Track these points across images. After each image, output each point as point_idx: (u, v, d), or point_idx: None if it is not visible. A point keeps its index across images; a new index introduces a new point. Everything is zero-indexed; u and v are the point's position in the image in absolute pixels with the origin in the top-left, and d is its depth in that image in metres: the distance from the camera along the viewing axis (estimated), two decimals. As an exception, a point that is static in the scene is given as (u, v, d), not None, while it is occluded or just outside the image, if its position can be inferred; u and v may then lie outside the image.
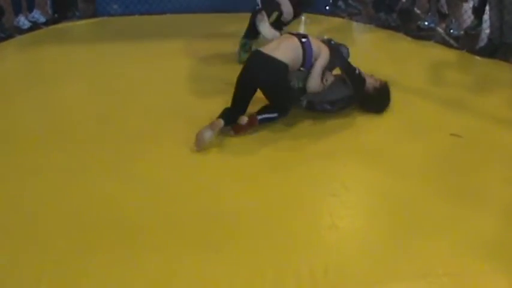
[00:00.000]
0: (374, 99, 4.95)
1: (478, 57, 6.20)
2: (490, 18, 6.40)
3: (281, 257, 3.36)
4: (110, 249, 3.38)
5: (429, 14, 7.10)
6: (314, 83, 4.68)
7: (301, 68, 4.68)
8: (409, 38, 6.70)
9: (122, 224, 3.58)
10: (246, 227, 3.60)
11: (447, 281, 3.26)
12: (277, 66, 4.55)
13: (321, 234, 3.59)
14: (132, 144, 4.46)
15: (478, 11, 6.88)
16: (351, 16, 7.35)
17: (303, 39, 4.69)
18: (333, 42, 4.93)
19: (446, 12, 7.21)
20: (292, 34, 4.82)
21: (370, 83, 4.93)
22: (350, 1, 7.59)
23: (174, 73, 5.62)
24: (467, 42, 6.63)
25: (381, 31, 6.31)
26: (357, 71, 4.85)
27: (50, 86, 5.38)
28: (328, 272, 3.27)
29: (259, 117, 4.62)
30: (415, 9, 7.55)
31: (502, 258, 3.42)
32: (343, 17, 7.31)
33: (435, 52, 6.08)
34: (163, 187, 3.96)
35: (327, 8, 7.35)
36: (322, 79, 4.71)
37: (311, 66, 4.68)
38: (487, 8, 6.55)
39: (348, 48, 5.07)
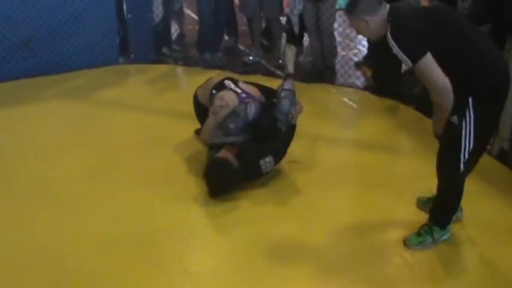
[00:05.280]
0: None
1: (305, 84, 6.31)
2: (311, 44, 6.61)
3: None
4: None
5: (253, 48, 7.22)
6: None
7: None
8: (236, 74, 6.75)
9: None
10: (98, 282, 3.49)
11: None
12: None
13: (173, 282, 3.51)
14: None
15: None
16: (177, 61, 7.30)
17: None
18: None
19: (269, 44, 7.37)
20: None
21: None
22: (174, 46, 7.57)
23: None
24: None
25: (208, 71, 6.31)
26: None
27: None
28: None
29: None
30: (239, 45, 7.65)
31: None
32: (169, 63, 7.24)
33: (264, 84, 6.16)
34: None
35: (152, 56, 7.26)
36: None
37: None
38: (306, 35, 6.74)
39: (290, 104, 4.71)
